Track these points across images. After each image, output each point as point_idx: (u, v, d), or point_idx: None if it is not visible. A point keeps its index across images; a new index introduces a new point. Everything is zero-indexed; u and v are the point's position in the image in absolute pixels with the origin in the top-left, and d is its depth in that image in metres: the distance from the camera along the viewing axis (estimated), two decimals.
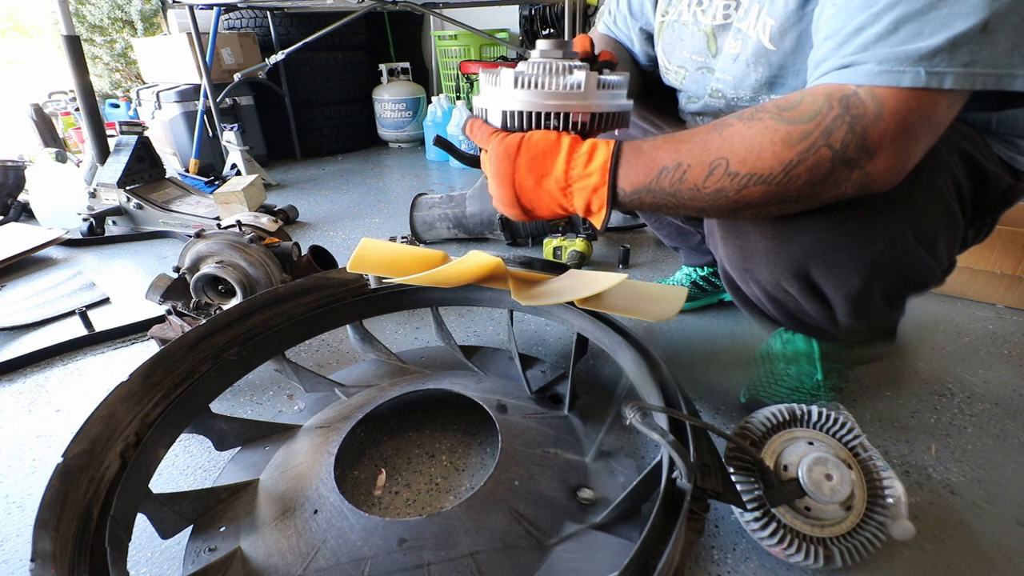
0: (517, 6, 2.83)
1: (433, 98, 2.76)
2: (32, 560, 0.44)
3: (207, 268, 1.02)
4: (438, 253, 0.79)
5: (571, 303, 0.84)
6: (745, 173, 0.48)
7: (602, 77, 0.55)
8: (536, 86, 0.54)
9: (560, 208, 0.56)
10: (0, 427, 0.88)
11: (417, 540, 0.58)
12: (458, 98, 2.81)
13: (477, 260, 0.69)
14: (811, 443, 0.61)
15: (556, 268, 0.85)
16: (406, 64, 3.00)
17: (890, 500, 0.58)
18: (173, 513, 0.63)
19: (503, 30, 2.96)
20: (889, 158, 0.46)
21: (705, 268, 1.15)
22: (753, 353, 0.91)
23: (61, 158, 2.25)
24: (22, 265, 1.53)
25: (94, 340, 1.11)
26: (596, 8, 2.53)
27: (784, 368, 0.84)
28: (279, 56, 2.35)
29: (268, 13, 2.67)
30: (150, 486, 0.62)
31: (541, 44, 0.56)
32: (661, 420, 0.60)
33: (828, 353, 0.82)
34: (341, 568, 0.57)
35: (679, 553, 0.47)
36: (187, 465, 0.79)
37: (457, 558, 0.57)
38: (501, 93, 0.56)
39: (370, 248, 0.78)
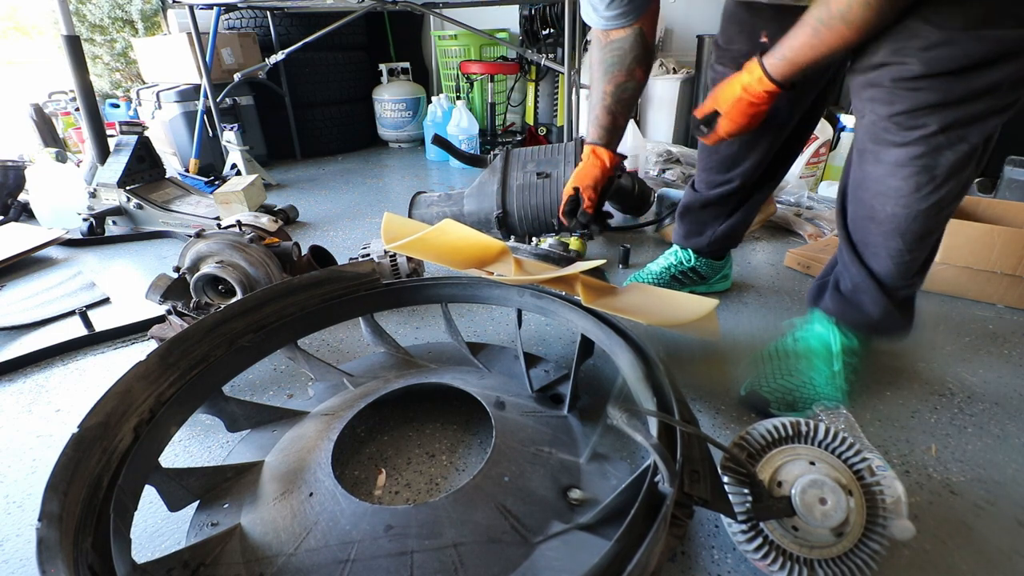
0: (517, 6, 2.83)
1: (433, 98, 2.76)
2: (39, 520, 0.46)
3: (207, 268, 1.02)
4: (483, 242, 0.81)
5: (573, 301, 0.85)
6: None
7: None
8: None
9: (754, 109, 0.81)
10: (0, 427, 0.88)
11: (403, 528, 0.59)
12: (458, 98, 2.81)
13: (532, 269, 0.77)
14: (813, 463, 0.59)
15: (567, 258, 0.85)
16: (406, 64, 3.00)
17: (891, 516, 0.57)
18: (181, 487, 0.66)
19: (503, 30, 2.96)
20: None
21: (693, 257, 1.19)
22: (755, 351, 0.91)
23: (61, 158, 2.25)
24: (22, 265, 1.53)
25: (94, 340, 1.11)
26: None
27: (793, 364, 0.85)
28: (279, 56, 2.35)
29: (268, 13, 2.67)
30: (160, 461, 0.64)
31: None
32: (652, 423, 0.60)
33: (846, 349, 0.85)
34: (329, 550, 0.58)
35: (655, 558, 0.46)
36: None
37: (440, 548, 0.58)
38: None
39: (402, 224, 0.85)
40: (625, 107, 0.98)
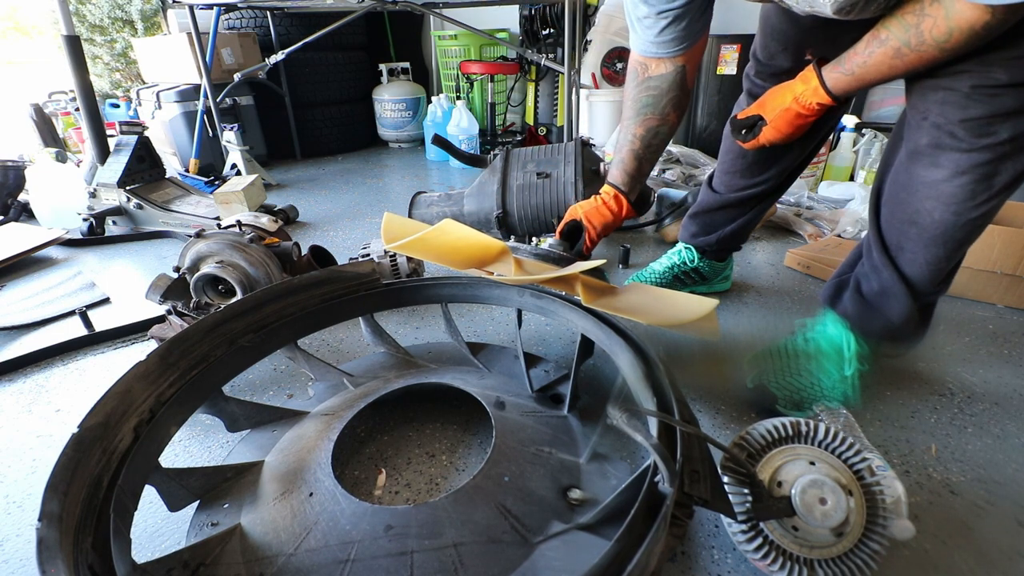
0: (517, 6, 2.83)
1: (433, 98, 2.76)
2: (39, 520, 0.46)
3: (207, 268, 1.02)
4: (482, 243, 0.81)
5: (571, 301, 0.85)
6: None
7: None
8: None
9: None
10: (0, 427, 0.88)
11: (403, 528, 0.59)
12: (458, 98, 2.81)
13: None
14: (813, 463, 0.59)
15: (567, 258, 0.85)
16: (406, 64, 3.00)
17: (891, 516, 0.57)
18: (181, 487, 0.66)
19: (503, 30, 2.96)
20: None
21: (697, 257, 1.18)
22: (757, 349, 0.91)
23: (61, 158, 2.25)
24: (22, 265, 1.53)
25: (94, 340, 1.11)
26: (596, 8, 2.53)
27: (803, 364, 0.84)
28: (279, 56, 2.35)
29: (268, 13, 2.67)
30: (160, 461, 0.64)
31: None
32: (652, 423, 0.59)
33: (859, 354, 0.84)
34: (329, 550, 0.58)
35: (655, 558, 0.46)
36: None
37: (440, 548, 0.58)
38: None
39: (403, 225, 0.85)
40: (654, 153, 0.96)
